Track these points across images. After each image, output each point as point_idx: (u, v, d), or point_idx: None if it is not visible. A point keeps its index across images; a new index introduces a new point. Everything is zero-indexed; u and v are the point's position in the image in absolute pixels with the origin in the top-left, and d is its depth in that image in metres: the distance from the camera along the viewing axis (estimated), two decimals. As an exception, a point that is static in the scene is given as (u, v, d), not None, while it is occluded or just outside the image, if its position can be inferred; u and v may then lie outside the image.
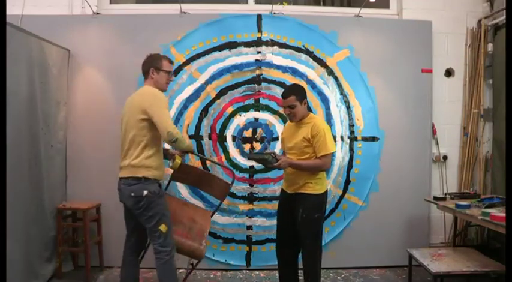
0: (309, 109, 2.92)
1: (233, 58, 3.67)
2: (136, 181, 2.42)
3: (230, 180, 3.07)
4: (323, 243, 3.63)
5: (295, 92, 2.67)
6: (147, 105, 2.39)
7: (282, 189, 2.82)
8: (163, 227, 2.46)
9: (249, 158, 3.02)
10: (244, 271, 3.63)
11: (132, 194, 2.41)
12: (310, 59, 3.70)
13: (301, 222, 2.64)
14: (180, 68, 3.65)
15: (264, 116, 3.69)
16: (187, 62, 3.66)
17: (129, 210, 2.54)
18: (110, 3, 4.04)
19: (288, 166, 2.64)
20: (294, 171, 2.67)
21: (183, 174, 3.06)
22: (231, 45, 3.67)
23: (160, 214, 2.47)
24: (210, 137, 3.67)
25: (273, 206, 3.52)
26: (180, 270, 3.10)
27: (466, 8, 3.98)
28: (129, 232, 2.63)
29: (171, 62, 2.66)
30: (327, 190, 2.72)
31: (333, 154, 2.70)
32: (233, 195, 3.60)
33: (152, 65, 2.57)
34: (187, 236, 2.72)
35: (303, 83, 3.67)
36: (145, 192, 2.39)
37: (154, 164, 2.45)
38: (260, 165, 3.13)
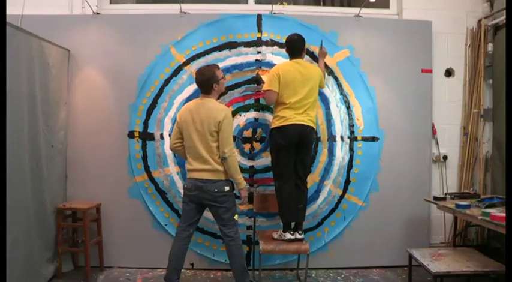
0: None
1: (233, 58, 3.66)
2: (219, 180, 2.84)
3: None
4: (323, 243, 3.68)
5: None
6: (221, 118, 2.80)
7: None
8: (236, 217, 2.93)
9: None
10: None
11: (216, 190, 2.81)
12: (310, 59, 3.70)
13: None
14: (180, 68, 3.66)
15: (264, 116, 3.69)
16: (187, 62, 3.66)
17: (198, 206, 2.91)
18: (110, 3, 4.04)
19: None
20: None
21: None
22: (231, 45, 3.67)
23: (235, 206, 2.93)
24: (210, 137, 3.67)
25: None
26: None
27: (466, 8, 3.98)
28: (188, 224, 2.95)
29: (219, 67, 3.01)
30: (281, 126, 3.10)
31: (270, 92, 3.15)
32: (233, 195, 3.60)
33: (213, 81, 2.89)
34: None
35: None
36: (227, 188, 2.85)
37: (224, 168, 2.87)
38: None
